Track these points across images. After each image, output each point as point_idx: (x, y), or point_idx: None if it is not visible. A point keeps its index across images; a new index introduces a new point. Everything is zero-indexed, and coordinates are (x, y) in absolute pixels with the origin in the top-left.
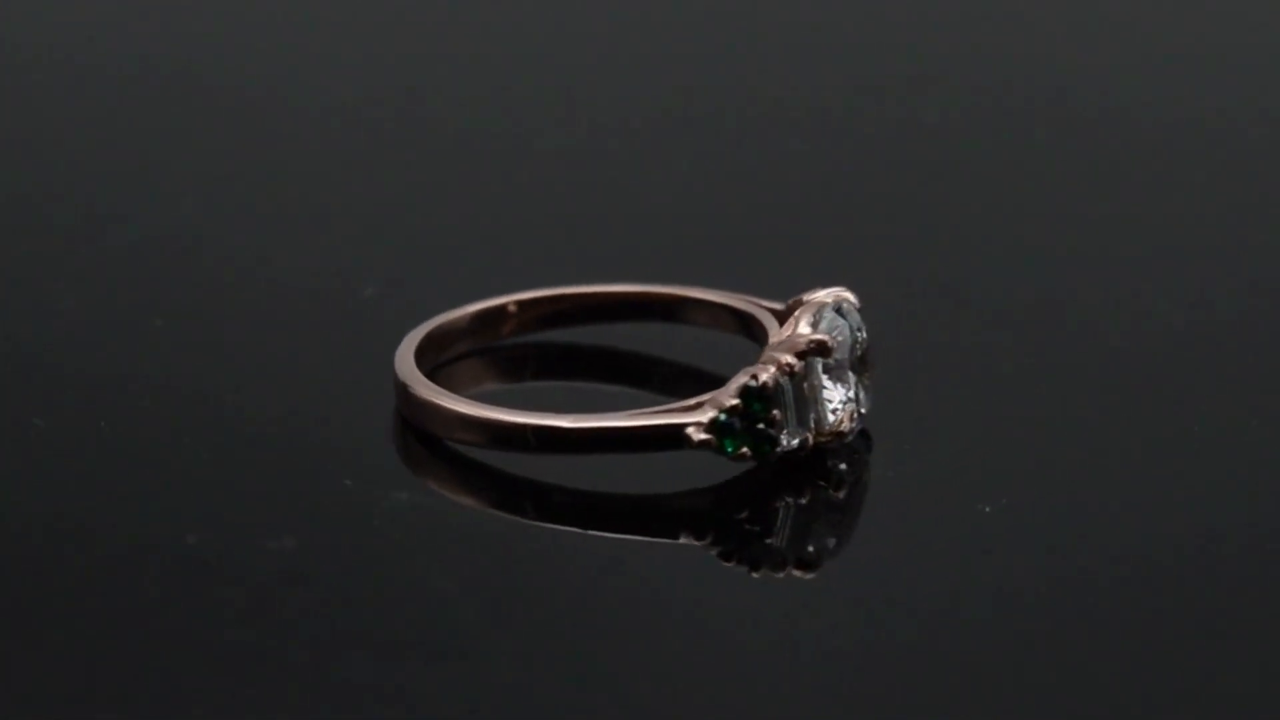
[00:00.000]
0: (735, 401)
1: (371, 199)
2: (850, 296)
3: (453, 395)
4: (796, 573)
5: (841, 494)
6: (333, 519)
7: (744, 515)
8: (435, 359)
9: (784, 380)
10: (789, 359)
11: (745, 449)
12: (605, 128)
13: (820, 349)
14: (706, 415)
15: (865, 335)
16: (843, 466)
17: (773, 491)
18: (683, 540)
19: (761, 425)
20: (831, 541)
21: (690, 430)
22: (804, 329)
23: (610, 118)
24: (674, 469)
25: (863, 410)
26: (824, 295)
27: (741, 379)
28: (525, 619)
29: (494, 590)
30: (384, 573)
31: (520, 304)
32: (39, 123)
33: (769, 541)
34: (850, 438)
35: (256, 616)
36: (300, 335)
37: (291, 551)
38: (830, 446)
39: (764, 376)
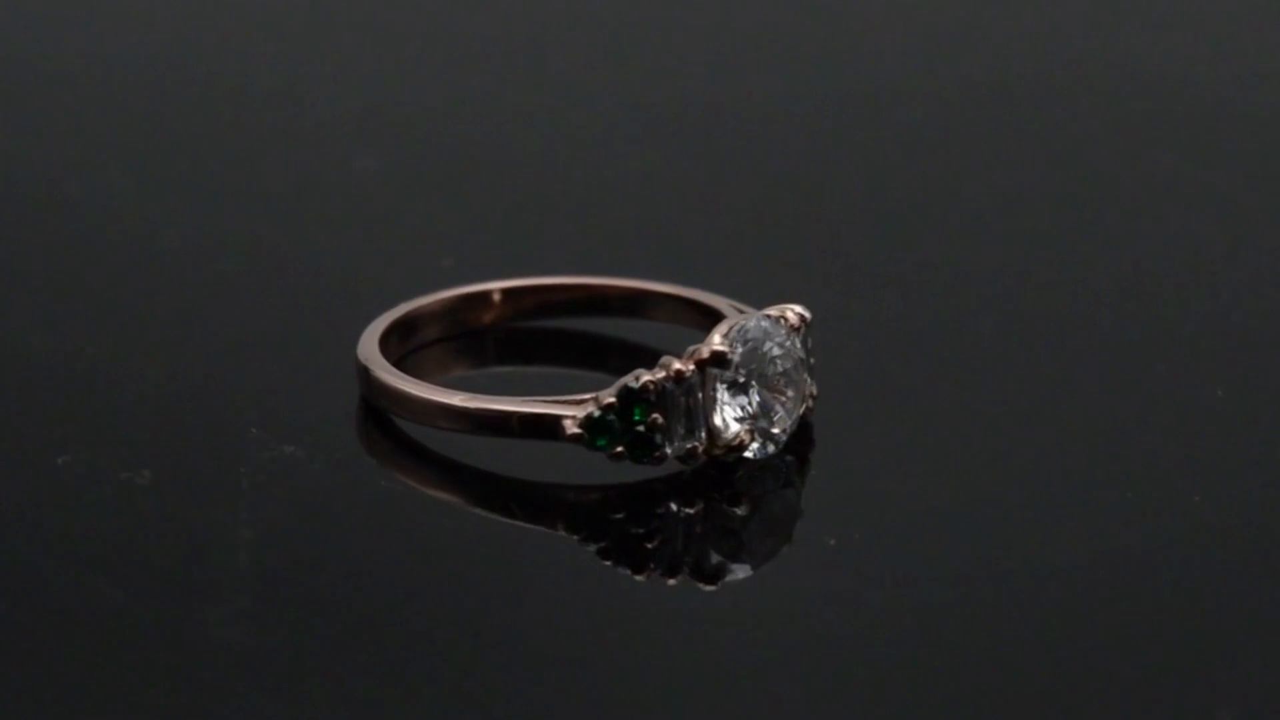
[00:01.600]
0: (612, 400)
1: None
2: (798, 315)
3: (394, 371)
4: (670, 581)
5: (740, 510)
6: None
7: (621, 515)
8: (413, 341)
9: (671, 386)
10: (680, 366)
11: (621, 449)
12: (587, 124)
13: (717, 360)
14: (583, 410)
15: (805, 356)
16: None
17: (662, 498)
18: (560, 532)
19: (642, 428)
20: (704, 558)
21: (566, 423)
22: (714, 339)
23: (590, 115)
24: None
25: (775, 430)
26: (773, 310)
27: (626, 379)
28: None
29: (355, 553)
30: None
31: (505, 292)
32: None
33: (648, 546)
34: (759, 456)
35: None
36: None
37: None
38: (729, 461)
39: (645, 379)
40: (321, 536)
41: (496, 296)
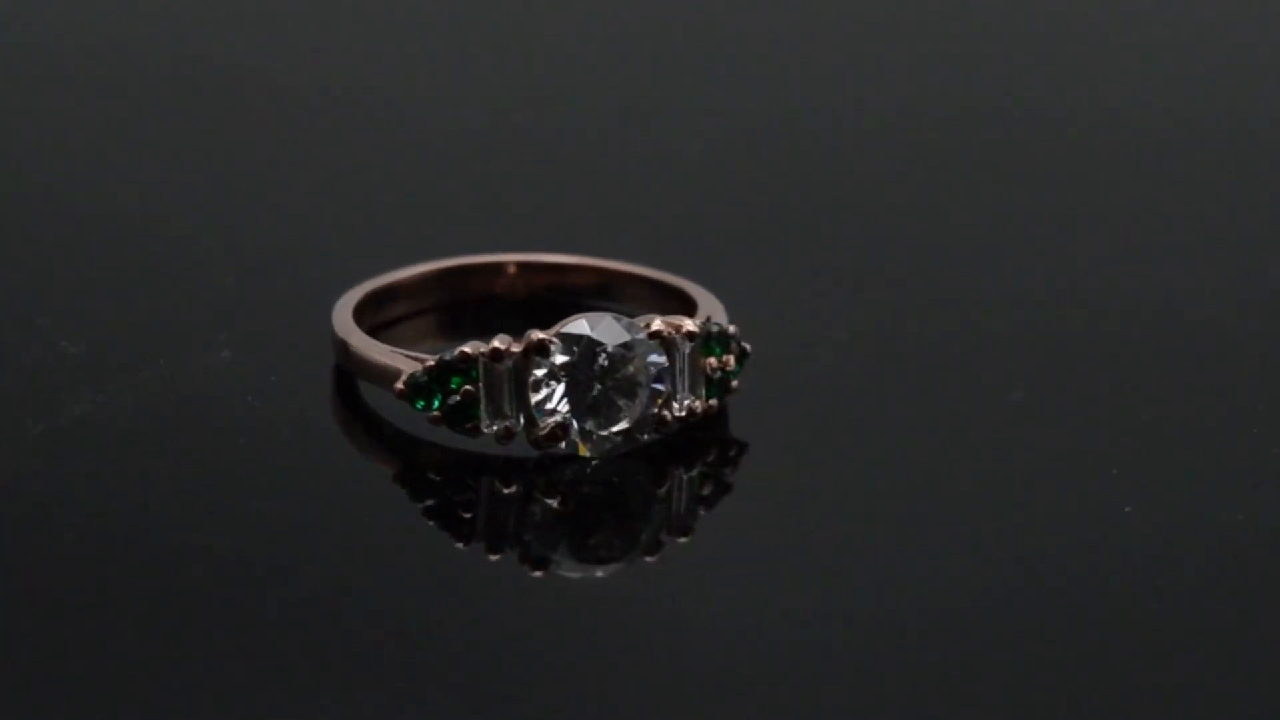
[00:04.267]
0: (430, 364)
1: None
2: (670, 327)
3: (351, 328)
4: (493, 557)
5: (554, 503)
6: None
7: (440, 478)
8: (389, 311)
9: (488, 363)
10: (499, 345)
11: (438, 414)
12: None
13: (538, 349)
14: (411, 371)
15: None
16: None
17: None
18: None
19: (458, 398)
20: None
21: (396, 381)
22: (553, 330)
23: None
24: None
25: (602, 432)
26: (647, 319)
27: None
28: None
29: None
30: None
31: (521, 265)
32: None
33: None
34: (595, 455)
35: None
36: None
37: None
38: (549, 450)
39: (461, 351)
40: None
41: (511, 269)
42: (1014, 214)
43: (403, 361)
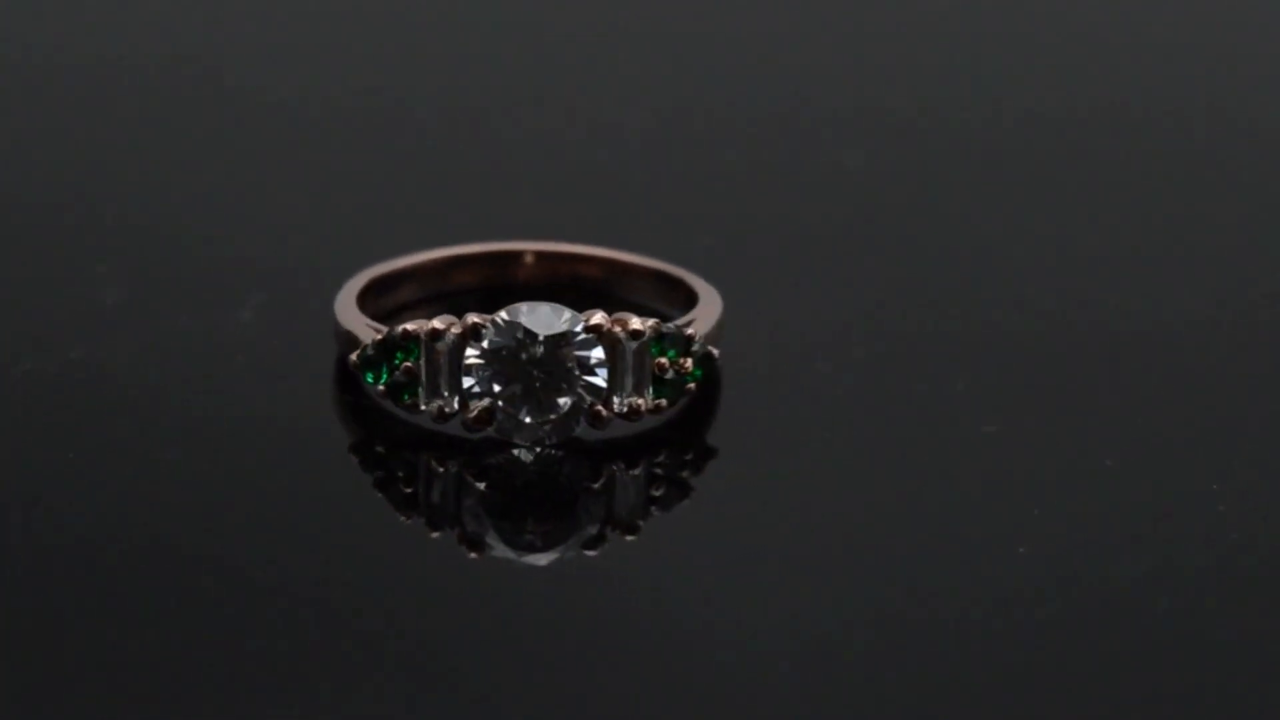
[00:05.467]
0: (378, 337)
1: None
2: (632, 325)
3: (353, 311)
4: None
5: (482, 486)
6: None
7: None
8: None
9: (427, 342)
10: (438, 325)
11: (383, 389)
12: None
13: (472, 332)
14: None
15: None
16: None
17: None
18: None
19: (400, 374)
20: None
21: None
22: (502, 316)
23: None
24: None
25: (528, 420)
26: (600, 317)
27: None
28: None
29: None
30: None
31: (539, 255)
32: None
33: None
34: (526, 446)
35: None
36: None
37: None
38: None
39: (404, 328)
40: None
41: (529, 258)
42: (1031, 220)
43: (369, 334)
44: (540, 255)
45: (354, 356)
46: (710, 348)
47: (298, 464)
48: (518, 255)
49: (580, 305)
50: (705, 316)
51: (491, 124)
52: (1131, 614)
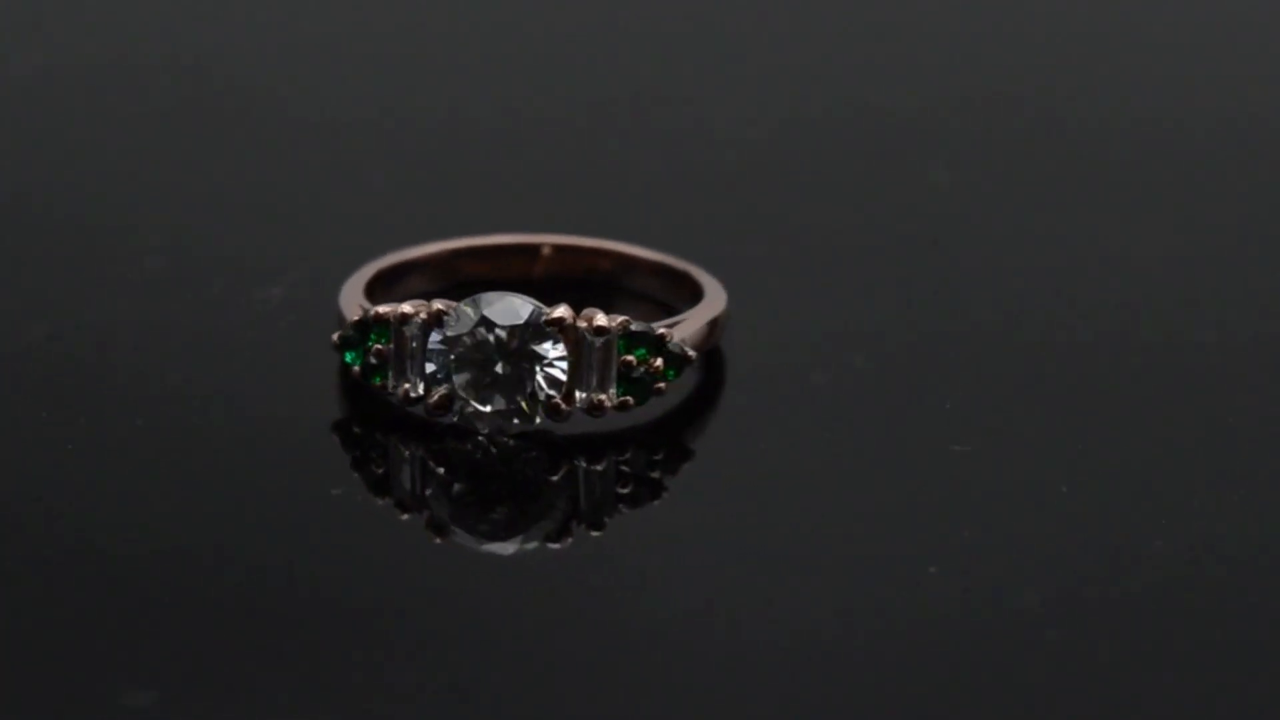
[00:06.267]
0: (356, 319)
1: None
2: (597, 321)
3: (352, 293)
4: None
5: (457, 486)
6: None
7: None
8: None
9: (396, 327)
10: (408, 309)
11: (358, 370)
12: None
13: (434, 318)
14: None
15: (566, 352)
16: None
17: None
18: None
19: (373, 357)
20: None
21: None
22: (465, 304)
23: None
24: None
25: (485, 408)
26: (562, 311)
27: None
28: None
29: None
30: None
31: (556, 248)
32: None
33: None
34: (489, 435)
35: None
36: None
37: None
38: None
39: (376, 311)
40: None
41: (546, 250)
42: (1041, 221)
43: (358, 314)
44: (557, 248)
45: (335, 336)
46: (689, 350)
47: (279, 441)
48: (534, 248)
49: (589, 298)
50: (698, 315)
51: (523, 125)
52: (1132, 614)
